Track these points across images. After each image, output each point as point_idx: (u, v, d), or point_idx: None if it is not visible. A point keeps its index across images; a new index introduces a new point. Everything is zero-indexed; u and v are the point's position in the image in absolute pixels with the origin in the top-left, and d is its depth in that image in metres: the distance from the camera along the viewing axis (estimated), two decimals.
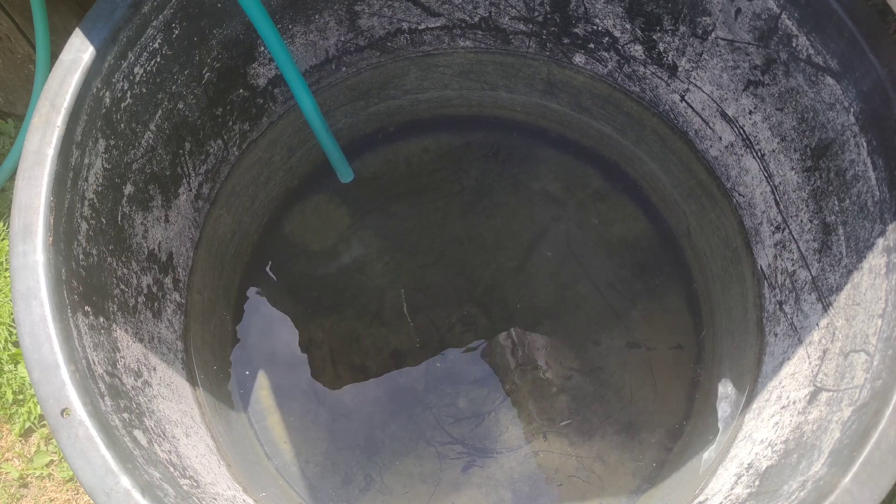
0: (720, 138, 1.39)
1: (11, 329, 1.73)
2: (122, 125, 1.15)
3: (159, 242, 1.31)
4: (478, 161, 1.76)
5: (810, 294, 1.19)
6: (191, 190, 1.39)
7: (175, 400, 1.22)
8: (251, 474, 1.35)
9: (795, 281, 1.24)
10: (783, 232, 1.28)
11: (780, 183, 1.27)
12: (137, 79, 1.16)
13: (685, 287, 1.63)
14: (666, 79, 1.41)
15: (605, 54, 1.45)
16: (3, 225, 1.84)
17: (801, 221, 1.22)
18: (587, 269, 1.65)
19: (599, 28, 1.39)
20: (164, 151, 1.28)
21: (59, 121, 1.01)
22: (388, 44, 1.54)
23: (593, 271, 1.65)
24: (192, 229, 1.43)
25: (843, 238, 1.11)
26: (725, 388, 1.44)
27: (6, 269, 1.80)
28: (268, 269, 1.69)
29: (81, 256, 1.05)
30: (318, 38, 1.47)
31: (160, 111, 1.24)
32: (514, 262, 1.66)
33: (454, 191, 1.74)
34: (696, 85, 1.36)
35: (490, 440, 1.52)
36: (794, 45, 1.12)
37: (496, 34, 1.51)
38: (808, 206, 1.20)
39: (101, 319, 1.07)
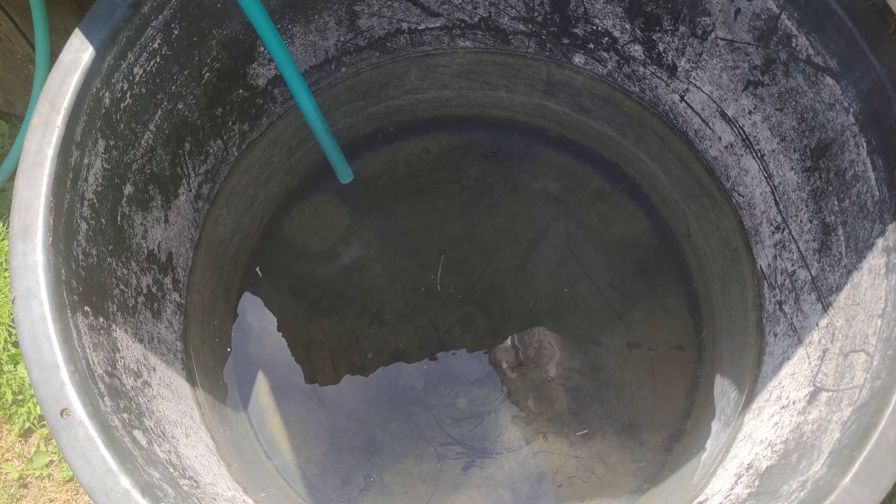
0: (720, 138, 1.39)
1: (11, 329, 1.73)
2: (122, 125, 1.15)
3: (159, 243, 1.31)
4: (478, 161, 1.76)
5: (810, 294, 1.19)
6: (190, 190, 1.39)
7: (175, 400, 1.22)
8: (251, 474, 1.35)
9: (795, 281, 1.24)
10: (783, 232, 1.28)
11: (779, 183, 1.27)
12: (137, 79, 1.16)
13: (685, 287, 1.63)
14: (665, 79, 1.41)
15: (605, 54, 1.45)
16: (3, 225, 1.84)
17: (801, 221, 1.22)
18: (587, 269, 1.65)
19: (599, 28, 1.39)
20: (163, 152, 1.28)
21: (59, 121, 1.01)
22: (388, 44, 1.54)
23: (593, 271, 1.65)
24: (191, 229, 1.43)
25: (842, 238, 1.11)
26: (725, 389, 1.44)
27: (6, 269, 1.80)
28: (268, 269, 1.69)
29: (81, 257, 1.05)
30: (317, 39, 1.47)
31: (160, 111, 1.24)
32: (514, 262, 1.66)
33: (454, 191, 1.74)
34: (695, 85, 1.36)
35: (490, 440, 1.52)
36: (793, 45, 1.12)
37: (496, 34, 1.51)
38: (807, 207, 1.20)
39: (101, 320, 1.07)
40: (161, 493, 0.92)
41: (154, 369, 1.20)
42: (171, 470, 1.03)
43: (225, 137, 1.44)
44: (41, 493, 1.61)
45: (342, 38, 1.50)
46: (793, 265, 1.25)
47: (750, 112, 1.29)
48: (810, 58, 1.11)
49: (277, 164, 1.64)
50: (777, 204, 1.28)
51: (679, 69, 1.37)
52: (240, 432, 1.49)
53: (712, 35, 1.25)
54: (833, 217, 1.13)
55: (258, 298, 1.66)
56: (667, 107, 1.47)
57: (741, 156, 1.36)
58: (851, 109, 1.06)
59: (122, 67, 1.12)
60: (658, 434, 1.52)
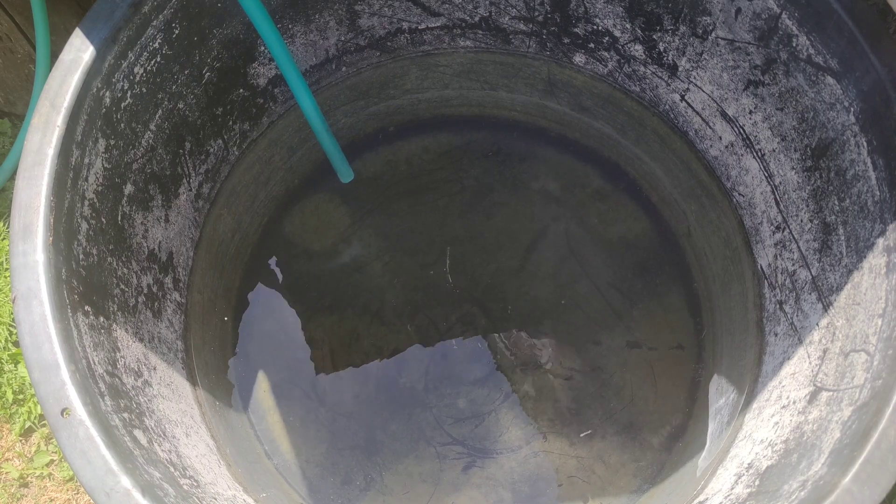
0: (720, 138, 1.39)
1: (11, 329, 1.73)
2: (122, 125, 1.15)
3: (159, 242, 1.31)
4: (478, 161, 1.76)
5: (810, 294, 1.19)
6: (191, 190, 1.39)
7: (175, 400, 1.22)
8: (251, 474, 1.35)
9: (795, 281, 1.24)
10: (783, 232, 1.28)
11: (780, 183, 1.27)
12: (137, 78, 1.16)
13: (685, 287, 1.63)
14: (666, 78, 1.41)
15: (606, 54, 1.45)
16: (3, 225, 1.84)
17: (801, 221, 1.22)
18: (587, 268, 1.65)
19: (599, 28, 1.39)
20: (164, 151, 1.28)
21: (59, 121, 1.01)
22: (389, 43, 1.54)
23: (593, 271, 1.65)
24: (192, 229, 1.43)
25: (843, 238, 1.11)
26: (725, 388, 1.44)
27: (6, 269, 1.80)
28: (268, 268, 1.69)
29: (81, 256, 1.05)
30: (318, 38, 1.47)
31: (160, 111, 1.24)
32: (514, 261, 1.66)
33: (454, 190, 1.74)
34: (696, 85, 1.36)
35: (490, 440, 1.52)
36: (794, 44, 1.12)
37: (496, 34, 1.51)
38: (808, 206, 1.20)
39: (101, 319, 1.07)
40: (161, 493, 0.92)
41: (154, 369, 1.20)
42: (172, 469, 1.03)
43: (225, 137, 1.44)
44: (41, 493, 1.62)
45: (343, 38, 1.50)
46: (793, 265, 1.25)
47: (750, 112, 1.29)
48: (811, 57, 1.11)
49: (278, 164, 1.64)
50: (777, 203, 1.28)
51: (679, 69, 1.37)
52: (240, 432, 1.50)
53: (713, 34, 1.25)
54: (833, 217, 1.13)
55: (259, 298, 1.67)
56: (667, 106, 1.47)
57: (742, 155, 1.35)
58: (852, 109, 1.06)
59: (122, 67, 1.12)
60: (658, 434, 1.52)
